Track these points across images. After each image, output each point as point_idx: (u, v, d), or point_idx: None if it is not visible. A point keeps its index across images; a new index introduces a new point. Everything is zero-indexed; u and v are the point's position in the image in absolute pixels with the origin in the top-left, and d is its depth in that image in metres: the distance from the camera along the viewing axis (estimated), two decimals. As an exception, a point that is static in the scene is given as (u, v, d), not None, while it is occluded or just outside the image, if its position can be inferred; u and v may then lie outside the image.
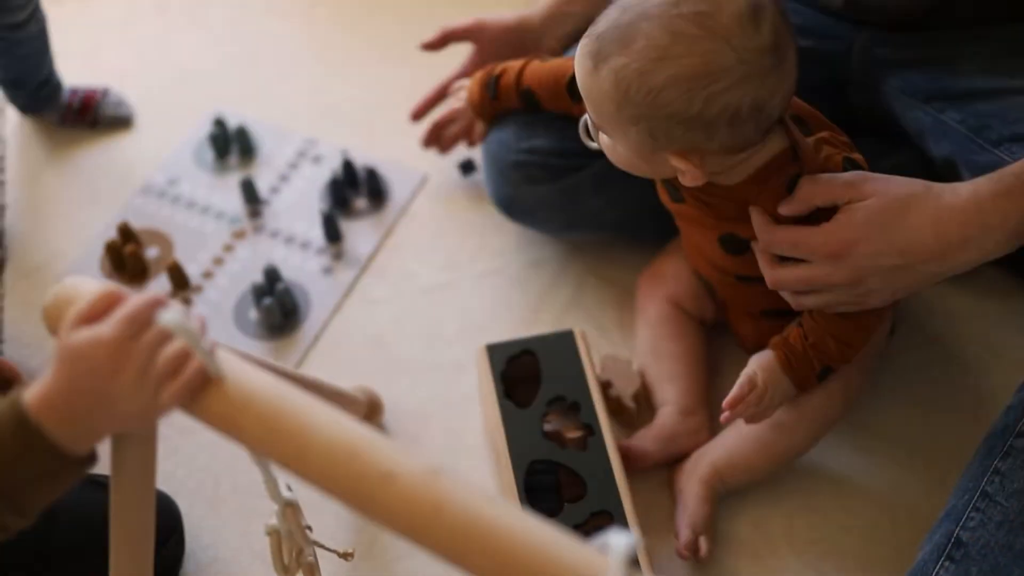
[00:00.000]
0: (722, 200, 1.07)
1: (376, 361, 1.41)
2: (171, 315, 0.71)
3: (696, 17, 0.91)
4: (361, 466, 0.68)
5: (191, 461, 1.32)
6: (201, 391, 0.71)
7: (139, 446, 0.79)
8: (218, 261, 1.52)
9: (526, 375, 1.24)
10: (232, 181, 1.61)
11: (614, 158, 1.05)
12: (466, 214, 1.55)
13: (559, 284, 1.45)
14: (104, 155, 1.68)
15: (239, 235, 1.55)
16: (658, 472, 1.26)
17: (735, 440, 1.21)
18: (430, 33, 1.66)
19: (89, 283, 0.77)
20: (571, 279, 1.46)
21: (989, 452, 1.05)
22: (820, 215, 1.02)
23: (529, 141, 1.34)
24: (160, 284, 1.49)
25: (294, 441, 0.70)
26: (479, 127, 1.41)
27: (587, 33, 0.98)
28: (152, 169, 1.65)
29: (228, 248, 1.53)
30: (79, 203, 1.62)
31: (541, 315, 1.43)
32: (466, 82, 1.40)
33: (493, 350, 1.24)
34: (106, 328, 0.69)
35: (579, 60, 0.98)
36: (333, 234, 1.51)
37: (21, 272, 1.54)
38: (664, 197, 1.16)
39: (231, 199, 1.59)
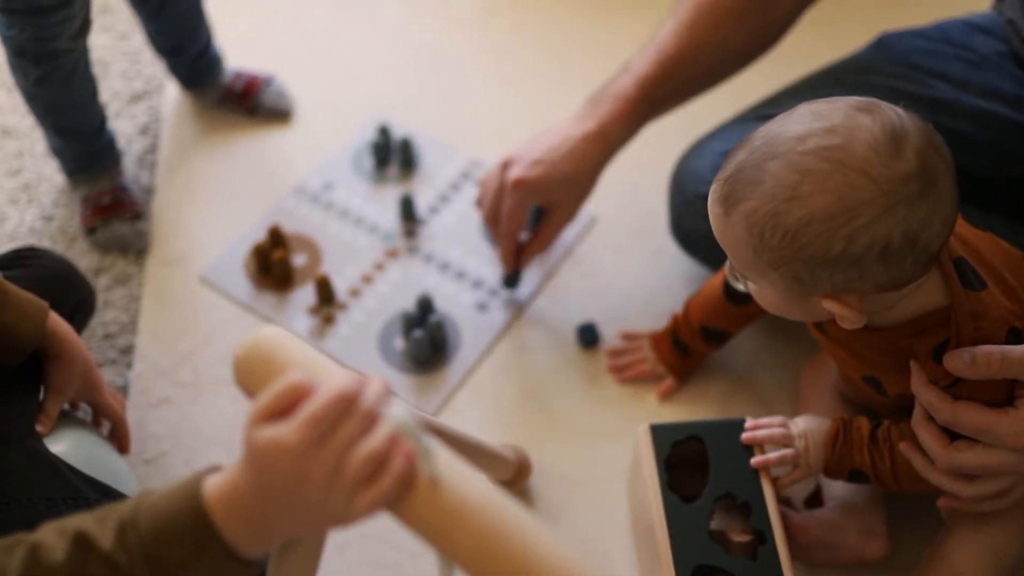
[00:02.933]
0: (866, 346, 0.98)
1: (525, 415, 1.31)
2: (401, 413, 0.62)
3: (824, 151, 0.83)
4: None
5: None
6: (408, 494, 0.62)
7: (306, 546, 0.71)
8: (367, 279, 1.43)
9: (689, 460, 1.13)
10: (389, 194, 1.53)
11: (764, 304, 0.96)
12: (636, 265, 1.44)
13: (731, 357, 1.34)
14: (259, 147, 1.62)
15: (392, 254, 1.46)
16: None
17: None
18: (611, 54, 1.57)
19: (285, 346, 0.69)
20: (744, 353, 1.34)
21: None
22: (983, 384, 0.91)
23: None
24: (305, 294, 1.42)
25: (512, 570, 0.60)
26: (671, 382, 1.33)
27: (716, 177, 0.91)
28: (308, 169, 1.57)
29: (379, 267, 1.45)
30: (228, 194, 1.55)
31: (708, 388, 1.32)
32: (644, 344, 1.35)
33: (658, 432, 1.13)
34: (289, 432, 0.61)
35: (711, 206, 0.92)
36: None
37: (162, 261, 1.48)
38: (809, 324, 1.06)
39: (387, 214, 1.51)
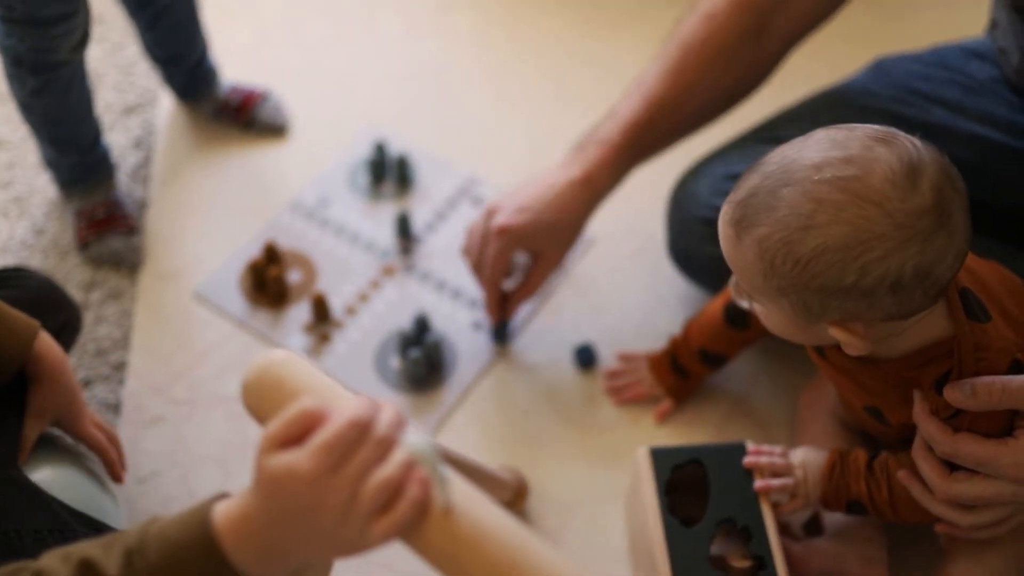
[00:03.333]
0: (868, 376, 0.99)
1: (522, 436, 1.30)
2: (416, 439, 0.61)
3: (840, 182, 0.82)
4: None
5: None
6: (422, 522, 0.62)
7: (313, 571, 0.70)
8: (363, 297, 1.42)
9: (687, 484, 1.13)
10: (385, 210, 1.52)
11: (769, 326, 0.96)
12: (633, 285, 1.44)
13: (728, 379, 1.34)
14: (253, 161, 1.61)
15: (388, 272, 1.45)
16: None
17: None
18: (609, 70, 1.57)
19: (295, 369, 0.68)
20: (742, 376, 1.34)
21: None
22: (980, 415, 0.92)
23: (724, 199, 1.25)
24: (300, 312, 1.41)
25: None
26: (668, 404, 1.32)
27: (728, 198, 0.90)
28: (303, 185, 1.57)
29: (375, 284, 1.44)
30: (222, 209, 1.54)
31: (705, 411, 1.31)
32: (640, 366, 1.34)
33: (658, 456, 1.13)
34: (304, 459, 0.60)
35: (721, 227, 0.92)
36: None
37: (156, 275, 1.47)
38: (810, 350, 1.07)
39: (382, 230, 1.50)
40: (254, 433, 1.30)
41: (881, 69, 1.32)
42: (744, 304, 0.99)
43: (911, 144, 0.84)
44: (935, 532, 1.04)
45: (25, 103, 1.38)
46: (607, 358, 1.37)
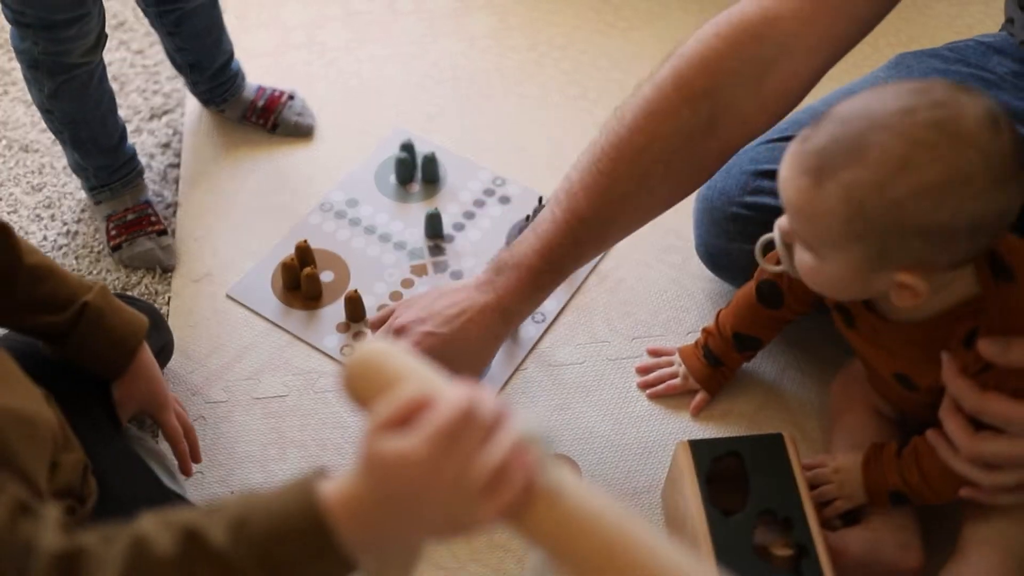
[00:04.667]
0: (893, 340, 1.01)
1: (556, 430, 1.32)
2: (523, 423, 0.63)
3: (936, 123, 0.84)
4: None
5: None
6: (528, 505, 0.63)
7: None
8: (396, 296, 1.44)
9: (724, 475, 1.15)
10: (413, 210, 1.54)
11: (819, 280, 0.96)
12: (661, 282, 1.46)
13: (759, 372, 1.36)
14: (280, 162, 1.62)
15: (419, 271, 1.47)
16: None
17: None
18: (627, 71, 1.58)
19: (396, 359, 0.69)
20: (772, 368, 1.36)
21: None
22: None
23: (756, 196, 1.27)
24: (334, 311, 1.43)
25: None
26: (703, 396, 1.34)
27: (796, 150, 0.90)
28: (331, 186, 1.58)
29: (407, 284, 1.46)
30: (252, 210, 1.56)
31: (737, 403, 1.34)
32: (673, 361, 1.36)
33: (697, 447, 1.15)
34: (417, 444, 0.61)
35: (792, 179, 0.91)
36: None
37: (189, 277, 1.48)
38: (838, 321, 1.09)
39: (412, 230, 1.52)
40: (292, 432, 1.32)
41: (902, 65, 1.34)
42: (777, 269, 1.00)
43: (986, 94, 0.87)
44: (960, 496, 1.06)
45: (44, 106, 1.40)
46: (639, 354, 1.39)
